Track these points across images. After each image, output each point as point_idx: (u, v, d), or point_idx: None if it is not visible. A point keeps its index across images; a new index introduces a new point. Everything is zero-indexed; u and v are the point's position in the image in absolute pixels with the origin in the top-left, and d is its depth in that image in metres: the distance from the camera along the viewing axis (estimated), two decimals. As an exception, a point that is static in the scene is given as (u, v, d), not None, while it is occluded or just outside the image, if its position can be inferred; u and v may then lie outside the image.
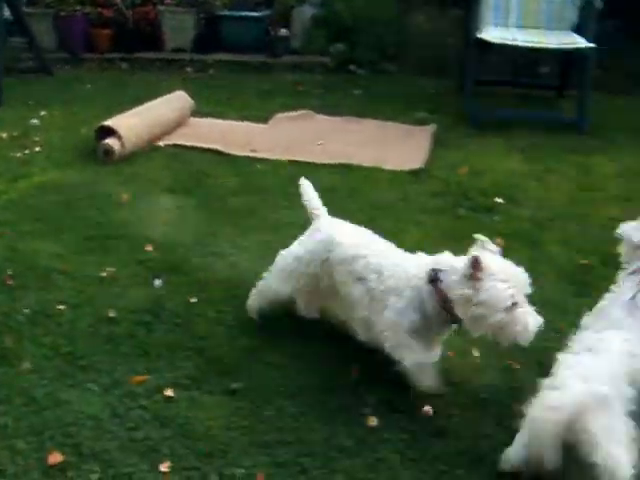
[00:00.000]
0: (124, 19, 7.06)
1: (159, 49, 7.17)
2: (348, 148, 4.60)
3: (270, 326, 2.73)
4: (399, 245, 2.52)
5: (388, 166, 4.29)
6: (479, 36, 5.15)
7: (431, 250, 2.40)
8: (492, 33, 5.21)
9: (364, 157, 4.40)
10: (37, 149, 4.72)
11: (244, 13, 6.95)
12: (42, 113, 5.50)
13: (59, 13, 7.24)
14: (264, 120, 5.17)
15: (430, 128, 5.02)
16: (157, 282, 3.02)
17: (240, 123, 5.12)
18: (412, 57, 6.75)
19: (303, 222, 3.46)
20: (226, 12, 7.01)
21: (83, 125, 5.08)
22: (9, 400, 2.37)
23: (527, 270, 2.17)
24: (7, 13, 6.10)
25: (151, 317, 2.80)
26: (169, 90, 5.42)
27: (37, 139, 4.91)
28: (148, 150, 4.57)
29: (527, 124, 5.11)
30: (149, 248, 3.31)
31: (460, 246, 2.28)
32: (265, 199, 3.83)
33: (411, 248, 2.47)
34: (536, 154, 4.60)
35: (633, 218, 2.38)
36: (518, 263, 2.18)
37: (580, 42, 5.06)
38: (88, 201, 3.88)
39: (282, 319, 2.77)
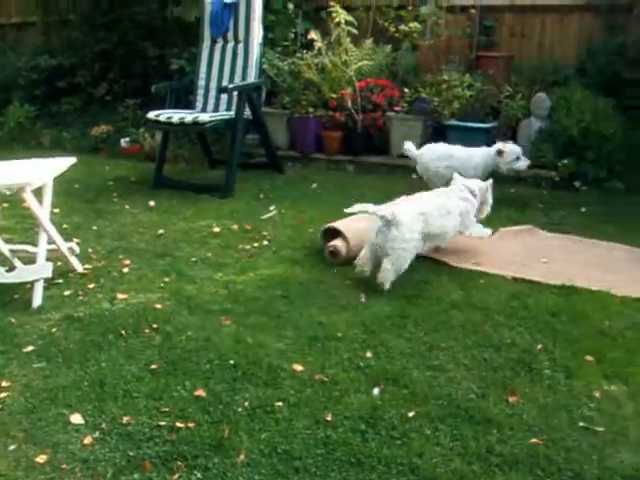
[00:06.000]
0: (354, 124, 7.33)
1: (385, 154, 7.38)
2: (573, 268, 4.42)
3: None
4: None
5: (617, 291, 4.06)
6: None
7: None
8: None
9: (591, 280, 4.21)
10: (265, 243, 4.94)
11: (471, 124, 6.99)
12: (271, 208, 5.78)
13: (293, 115, 7.68)
14: (488, 234, 5.09)
15: (663, 253, 4.73)
16: (376, 391, 3.01)
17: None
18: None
19: (526, 345, 3.39)
20: (453, 122, 7.09)
21: (310, 224, 5.28)
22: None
23: None
24: (247, 112, 6.55)
25: (367, 426, 2.77)
26: (394, 195, 5.49)
27: (266, 233, 5.14)
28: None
29: None
30: (369, 354, 3.32)
31: None
32: (487, 315, 3.74)
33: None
34: None
35: None
36: None
37: None
38: (318, 300, 3.97)
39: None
